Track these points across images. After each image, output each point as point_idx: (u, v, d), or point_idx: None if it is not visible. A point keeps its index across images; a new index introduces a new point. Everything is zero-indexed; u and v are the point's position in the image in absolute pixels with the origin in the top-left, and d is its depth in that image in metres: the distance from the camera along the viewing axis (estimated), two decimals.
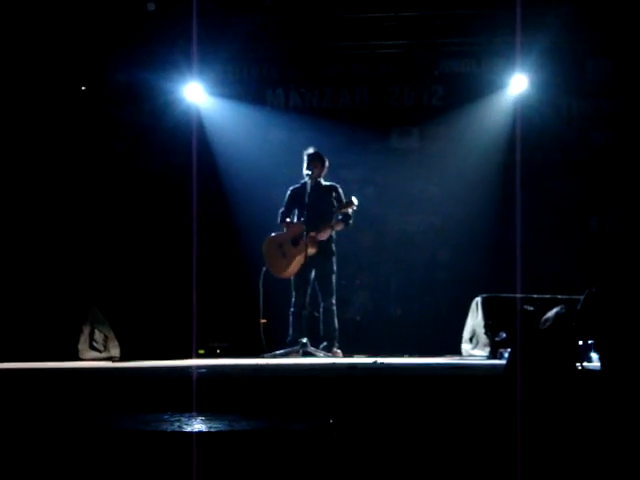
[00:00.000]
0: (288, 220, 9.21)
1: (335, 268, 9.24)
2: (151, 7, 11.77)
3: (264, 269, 9.58)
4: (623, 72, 12.14)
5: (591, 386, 4.42)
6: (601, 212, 11.15)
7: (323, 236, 8.91)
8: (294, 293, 9.10)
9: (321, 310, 9.18)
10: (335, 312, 9.12)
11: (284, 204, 9.31)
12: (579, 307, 5.88)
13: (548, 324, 6.05)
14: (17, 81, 11.95)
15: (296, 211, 9.25)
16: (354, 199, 8.96)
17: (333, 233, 9.06)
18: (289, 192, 9.32)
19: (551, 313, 6.26)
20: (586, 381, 4.59)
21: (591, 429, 3.88)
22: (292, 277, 9.07)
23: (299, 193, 9.06)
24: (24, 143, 12.06)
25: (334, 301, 9.18)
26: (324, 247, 8.89)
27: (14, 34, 11.53)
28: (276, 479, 2.90)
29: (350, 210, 9.03)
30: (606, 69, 12.27)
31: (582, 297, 5.84)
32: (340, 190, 9.21)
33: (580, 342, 5.74)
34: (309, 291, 9.08)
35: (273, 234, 9.34)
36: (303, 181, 9.09)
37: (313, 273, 8.99)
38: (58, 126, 12.44)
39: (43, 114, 12.28)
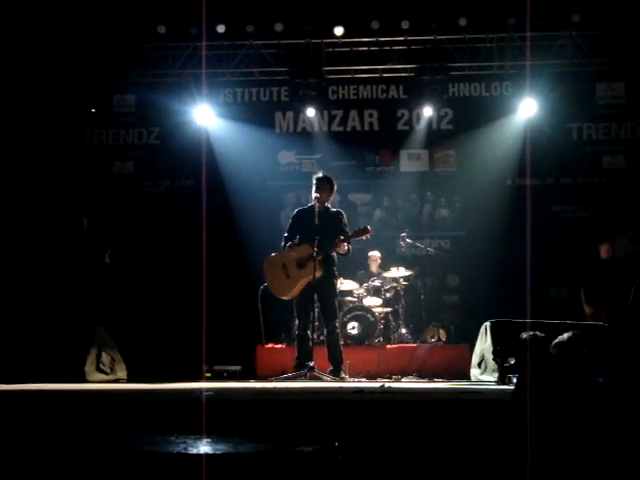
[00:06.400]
0: (290, 243, 9.01)
1: (337, 291, 9.18)
2: (161, 30, 11.87)
3: (262, 288, 9.50)
4: (634, 96, 12.15)
5: (606, 410, 4.37)
6: (612, 237, 11.07)
7: (341, 249, 8.82)
8: (298, 316, 9.00)
9: (325, 333, 9.10)
10: (339, 335, 9.04)
11: (288, 227, 9.14)
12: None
13: (560, 348, 6.02)
14: (28, 104, 12.00)
15: (298, 235, 9.08)
16: (369, 227, 8.89)
17: (335, 256, 8.99)
18: (295, 213, 9.19)
19: (563, 337, 6.23)
20: (600, 405, 4.54)
21: (604, 454, 3.83)
22: (295, 300, 8.98)
23: (306, 216, 8.95)
24: (33, 164, 12.10)
25: (337, 324, 9.11)
26: (326, 270, 8.81)
27: (26, 56, 11.60)
28: None
29: (364, 237, 8.97)
30: (616, 93, 12.29)
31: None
32: (345, 217, 9.11)
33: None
34: (314, 313, 8.98)
35: (274, 254, 9.23)
36: (310, 204, 9.00)
37: (315, 296, 8.89)
38: (68, 148, 12.49)
39: (54, 136, 12.34)
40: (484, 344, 8.91)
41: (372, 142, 12.86)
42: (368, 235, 8.88)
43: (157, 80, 12.51)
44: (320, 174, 9.09)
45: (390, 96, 12.83)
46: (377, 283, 11.08)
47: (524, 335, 7.50)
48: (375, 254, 11.37)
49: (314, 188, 8.90)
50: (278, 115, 13.00)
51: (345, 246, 8.78)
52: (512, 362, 7.59)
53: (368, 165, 12.83)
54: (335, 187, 9.05)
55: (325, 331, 9.06)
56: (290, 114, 12.98)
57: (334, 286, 9.00)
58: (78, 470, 3.04)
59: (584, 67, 11.93)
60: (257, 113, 12.79)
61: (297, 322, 8.98)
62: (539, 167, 11.81)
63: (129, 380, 9.28)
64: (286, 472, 2.88)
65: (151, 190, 12.84)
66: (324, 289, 8.78)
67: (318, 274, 8.57)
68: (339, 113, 12.92)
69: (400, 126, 12.81)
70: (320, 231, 8.59)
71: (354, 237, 8.89)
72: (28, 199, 11.90)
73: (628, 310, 5.96)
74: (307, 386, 7.50)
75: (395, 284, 11.14)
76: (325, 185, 8.93)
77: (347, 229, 8.94)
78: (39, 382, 7.57)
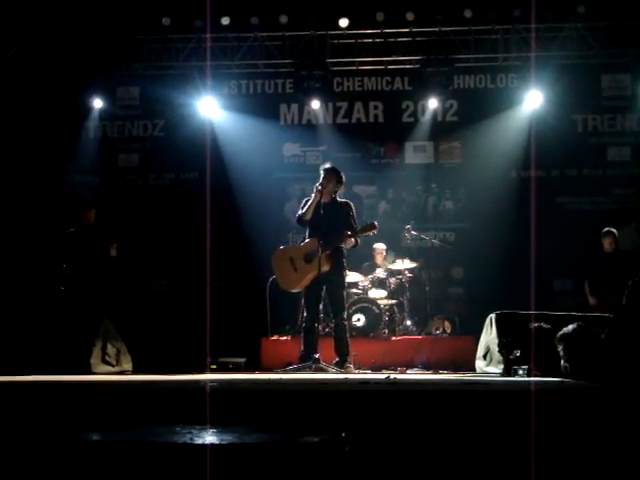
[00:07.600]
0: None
1: (346, 283, 9.16)
2: (166, 22, 11.86)
3: (270, 280, 9.53)
4: (639, 87, 12.12)
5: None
6: (616, 229, 11.02)
7: (348, 244, 8.79)
8: (305, 309, 9.00)
9: (333, 326, 9.11)
10: (346, 327, 9.01)
11: (301, 208, 9.04)
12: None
13: (565, 340, 6.01)
14: (32, 96, 11.99)
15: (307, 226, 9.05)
16: (376, 223, 8.84)
17: (344, 249, 8.96)
18: (305, 201, 9.10)
19: (568, 328, 6.22)
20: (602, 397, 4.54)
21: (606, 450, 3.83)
22: (303, 292, 8.98)
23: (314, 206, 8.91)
24: (37, 157, 12.09)
25: (345, 316, 9.09)
26: (335, 263, 8.79)
27: (30, 49, 11.59)
28: None
29: (371, 233, 8.93)
30: (622, 84, 12.25)
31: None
32: (353, 208, 9.07)
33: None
34: (320, 306, 9.00)
35: (282, 247, 9.28)
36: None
37: (324, 288, 8.89)
38: (72, 140, 12.47)
39: (57, 128, 12.32)
40: (489, 336, 8.89)
41: (377, 134, 12.84)
42: (375, 231, 8.85)
43: (161, 72, 12.50)
44: (328, 165, 9.05)
45: (395, 88, 12.80)
46: (382, 275, 11.08)
47: (531, 326, 7.51)
48: (380, 246, 11.35)
49: (321, 179, 8.85)
50: (283, 107, 12.99)
51: (352, 240, 8.76)
52: (518, 354, 7.59)
53: (373, 157, 12.82)
54: (343, 179, 8.98)
55: (333, 323, 9.07)
56: (295, 106, 12.96)
57: (343, 278, 8.98)
58: (84, 460, 3.05)
59: (589, 59, 11.91)
60: (262, 105, 12.77)
61: (305, 314, 8.96)
62: (544, 159, 11.81)
63: (134, 372, 9.29)
64: (292, 462, 2.88)
65: (156, 183, 12.84)
66: (333, 281, 8.78)
67: (325, 269, 8.57)
68: (344, 105, 12.90)
69: (405, 118, 12.80)
70: (326, 223, 8.56)
71: (361, 233, 8.86)
72: (33, 191, 11.91)
73: (621, 312, 5.92)
74: (313, 377, 7.51)
75: (400, 276, 11.13)
76: (331, 176, 8.87)
77: (356, 220, 8.92)
78: (45, 374, 7.58)
